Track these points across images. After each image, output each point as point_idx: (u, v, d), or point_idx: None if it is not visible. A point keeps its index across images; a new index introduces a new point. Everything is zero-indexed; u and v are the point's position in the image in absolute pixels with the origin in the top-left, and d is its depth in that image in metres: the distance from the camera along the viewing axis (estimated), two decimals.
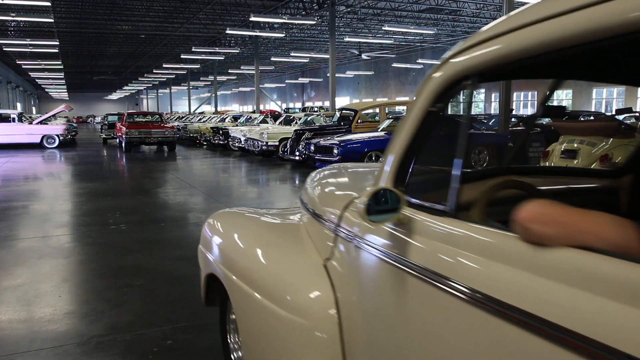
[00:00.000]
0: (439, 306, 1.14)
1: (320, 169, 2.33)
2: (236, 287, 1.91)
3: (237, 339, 2.19)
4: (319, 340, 1.54)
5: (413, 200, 1.35)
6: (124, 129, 17.98)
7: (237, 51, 32.63)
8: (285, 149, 13.32)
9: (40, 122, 20.41)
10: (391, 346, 1.34)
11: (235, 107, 70.07)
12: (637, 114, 14.95)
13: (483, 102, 33.22)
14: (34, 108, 70.72)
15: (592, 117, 15.50)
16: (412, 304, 1.26)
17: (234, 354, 2.25)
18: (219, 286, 2.17)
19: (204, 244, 2.33)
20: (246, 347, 1.90)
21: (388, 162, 1.45)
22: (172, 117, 33.29)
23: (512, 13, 1.09)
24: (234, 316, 2.04)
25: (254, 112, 27.75)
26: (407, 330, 1.28)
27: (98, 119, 61.40)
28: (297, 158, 12.10)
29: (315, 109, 34.26)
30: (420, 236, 1.27)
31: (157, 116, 20.86)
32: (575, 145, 8.75)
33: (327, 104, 43.45)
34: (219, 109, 42.20)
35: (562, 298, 0.86)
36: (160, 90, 65.13)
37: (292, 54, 32.19)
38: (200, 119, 26.34)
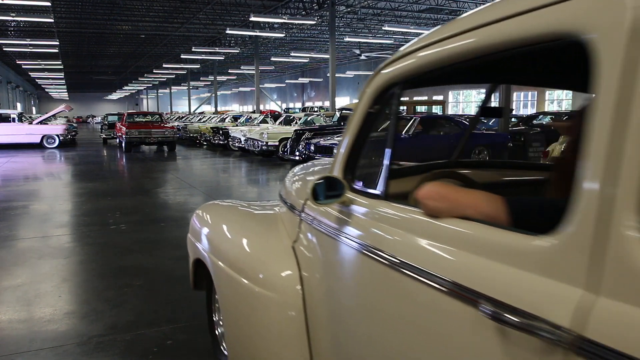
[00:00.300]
0: (375, 274, 1.39)
1: (297, 166, 2.58)
2: (218, 269, 2.18)
3: (220, 317, 2.48)
4: (286, 312, 1.80)
5: (356, 186, 1.62)
6: (124, 129, 17.98)
7: (237, 51, 32.64)
8: (285, 149, 13.32)
9: (40, 122, 20.41)
10: (343, 311, 1.58)
11: (235, 107, 70.07)
12: None
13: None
14: (34, 108, 70.71)
15: None
16: (355, 274, 1.54)
17: (218, 329, 2.60)
18: (206, 272, 2.44)
19: (192, 233, 2.59)
20: (226, 321, 2.16)
21: (338, 155, 1.72)
22: (172, 117, 33.30)
23: (423, 35, 1.39)
24: (217, 296, 2.27)
25: (254, 112, 27.75)
26: (352, 297, 1.54)
27: (98, 119, 61.40)
28: (297, 158, 12.10)
29: (315, 109, 34.26)
30: (359, 216, 1.53)
31: (157, 116, 20.86)
32: None
33: (327, 104, 43.43)
34: (219, 109, 42.21)
35: (451, 257, 1.11)
36: (160, 90, 65.14)
37: (292, 54, 32.19)
38: (200, 119, 26.34)
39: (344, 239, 1.56)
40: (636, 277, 0.73)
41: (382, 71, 1.53)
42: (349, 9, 24.72)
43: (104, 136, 23.43)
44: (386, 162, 1.47)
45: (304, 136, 12.42)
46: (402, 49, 1.47)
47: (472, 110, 33.55)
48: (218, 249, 2.25)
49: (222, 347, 2.51)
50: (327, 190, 1.60)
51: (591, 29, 0.83)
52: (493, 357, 0.96)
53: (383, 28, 23.52)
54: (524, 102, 30.65)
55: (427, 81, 1.71)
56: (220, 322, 2.46)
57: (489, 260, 1.01)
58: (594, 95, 0.82)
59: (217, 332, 2.61)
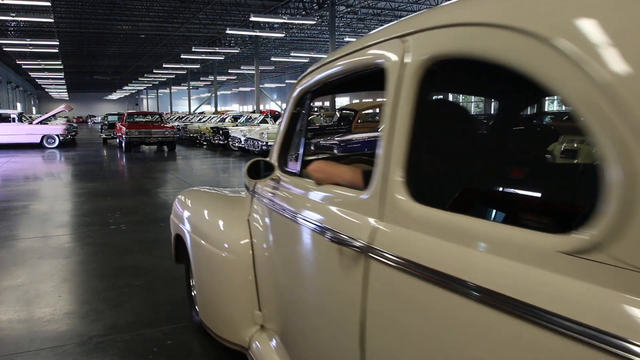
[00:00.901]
0: (294, 233, 1.89)
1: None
2: (194, 241, 2.75)
3: (194, 282, 2.94)
4: (242, 269, 2.43)
5: (285, 167, 2.19)
6: (124, 129, 17.98)
7: (237, 51, 32.64)
8: None
9: (40, 122, 20.42)
10: (276, 262, 2.12)
11: (235, 107, 70.06)
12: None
13: (483, 102, 33.24)
14: (34, 108, 70.72)
15: None
16: (283, 235, 2.06)
17: (193, 291, 3.10)
18: (184, 247, 2.95)
19: (174, 214, 3.16)
20: (198, 282, 2.77)
21: (274, 145, 2.33)
22: (172, 117, 33.31)
23: (321, 59, 1.98)
24: (192, 264, 2.83)
25: (254, 112, 27.74)
26: (280, 250, 2.09)
27: (98, 119, 61.39)
28: None
29: (315, 109, 34.25)
30: (283, 189, 2.08)
31: (157, 116, 20.86)
32: (575, 145, 8.76)
33: (327, 104, 43.41)
34: (219, 109, 42.20)
35: (330, 212, 1.62)
36: (160, 90, 65.15)
37: (292, 54, 32.18)
38: (200, 119, 26.34)
39: (275, 207, 2.09)
40: (400, 209, 1.28)
41: (300, 83, 2.13)
42: (349, 9, 24.73)
43: (104, 136, 23.43)
44: (301, 149, 2.09)
45: None
46: (309, 68, 2.07)
47: (473, 109, 33.57)
48: (194, 225, 2.81)
49: (195, 308, 3.03)
50: (265, 171, 2.22)
51: (385, 62, 1.43)
52: (343, 273, 1.48)
53: None
54: None
55: (325, 91, 2.24)
56: (194, 285, 2.97)
57: (345, 209, 1.56)
58: (386, 96, 1.40)
59: (192, 294, 3.13)
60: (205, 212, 2.81)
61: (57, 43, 27.09)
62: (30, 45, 27.19)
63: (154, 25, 29.49)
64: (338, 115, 14.41)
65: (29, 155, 16.85)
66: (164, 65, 41.48)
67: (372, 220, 1.38)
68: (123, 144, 18.26)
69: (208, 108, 52.10)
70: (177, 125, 23.39)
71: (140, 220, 6.50)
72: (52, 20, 21.78)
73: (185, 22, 28.36)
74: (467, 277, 1.01)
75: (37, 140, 19.66)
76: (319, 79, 1.95)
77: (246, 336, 2.45)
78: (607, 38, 0.85)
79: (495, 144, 1.99)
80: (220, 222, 2.62)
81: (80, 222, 6.47)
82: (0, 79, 41.71)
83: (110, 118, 25.34)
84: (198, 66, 41.62)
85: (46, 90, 68.72)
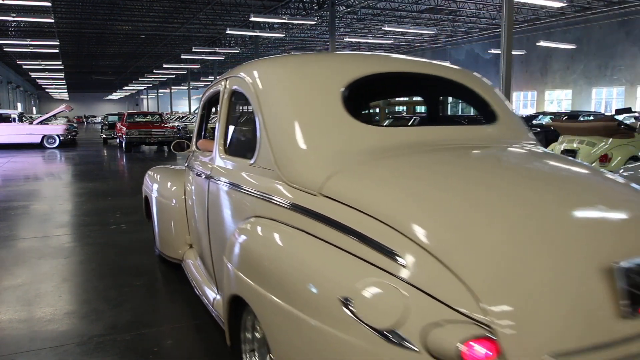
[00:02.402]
0: (196, 180, 3.27)
1: None
2: (156, 199, 4.18)
3: (153, 225, 4.37)
4: (179, 210, 3.86)
5: (199, 146, 3.44)
6: (124, 129, 17.98)
7: (237, 51, 32.63)
8: None
9: (41, 122, 20.42)
10: (193, 205, 3.47)
11: None
12: (637, 114, 14.94)
13: None
14: (34, 108, 70.71)
15: (591, 117, 15.49)
16: (194, 184, 3.37)
17: (155, 238, 4.39)
18: (149, 207, 4.49)
19: (145, 183, 4.70)
20: (156, 224, 4.23)
21: (194, 132, 3.73)
22: (172, 117, 33.29)
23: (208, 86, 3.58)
24: (152, 212, 4.29)
25: None
26: (195, 196, 3.37)
27: (98, 119, 61.36)
28: None
29: (360, 107, 34.13)
30: (194, 157, 3.53)
31: (157, 116, 20.86)
32: (575, 145, 8.76)
33: None
34: None
35: (202, 163, 3.19)
36: (160, 91, 65.11)
37: (292, 54, 32.17)
38: None
39: (192, 169, 3.48)
40: (220, 158, 2.83)
41: (203, 96, 3.58)
42: (349, 9, 24.72)
43: (104, 136, 23.42)
44: (202, 134, 3.66)
45: None
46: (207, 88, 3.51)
47: (472, 110, 33.55)
48: (156, 189, 4.22)
49: (156, 245, 4.37)
50: (186, 148, 4.06)
51: (219, 89, 3.00)
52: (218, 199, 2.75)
53: (383, 28, 23.51)
54: (523, 102, 30.65)
55: (212, 103, 3.46)
56: (156, 224, 4.26)
57: (205, 161, 3.10)
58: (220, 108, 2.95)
59: (155, 239, 4.41)
60: (163, 180, 4.19)
61: (58, 43, 27.08)
62: (31, 45, 27.19)
63: (154, 25, 29.49)
64: (384, 114, 14.39)
65: (30, 155, 16.86)
66: (164, 66, 41.47)
67: (211, 164, 2.95)
68: (123, 144, 18.26)
69: None
70: (177, 125, 23.37)
71: (140, 220, 6.50)
72: (52, 21, 21.77)
73: (186, 22, 28.36)
74: (237, 181, 2.47)
75: (38, 140, 19.66)
76: (208, 95, 3.39)
77: (181, 253, 3.94)
78: (270, 84, 2.39)
79: (250, 127, 2.81)
80: (170, 186, 4.01)
81: (81, 222, 6.47)
82: (0, 79, 41.70)
83: (110, 118, 25.34)
84: (198, 66, 41.61)
85: (46, 90, 68.72)
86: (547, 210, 1.60)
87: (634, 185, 1.93)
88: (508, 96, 12.67)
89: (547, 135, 11.91)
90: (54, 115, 23.26)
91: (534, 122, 15.80)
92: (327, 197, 1.82)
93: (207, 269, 3.14)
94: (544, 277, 1.41)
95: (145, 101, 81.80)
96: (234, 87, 2.75)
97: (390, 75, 2.51)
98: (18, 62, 36.76)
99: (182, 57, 33.73)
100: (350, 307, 1.39)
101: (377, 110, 14.33)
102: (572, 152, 8.74)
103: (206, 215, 2.95)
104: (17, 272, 4.37)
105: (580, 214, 1.65)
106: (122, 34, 32.62)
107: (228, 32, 23.23)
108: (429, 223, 1.53)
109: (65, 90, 68.38)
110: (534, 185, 1.76)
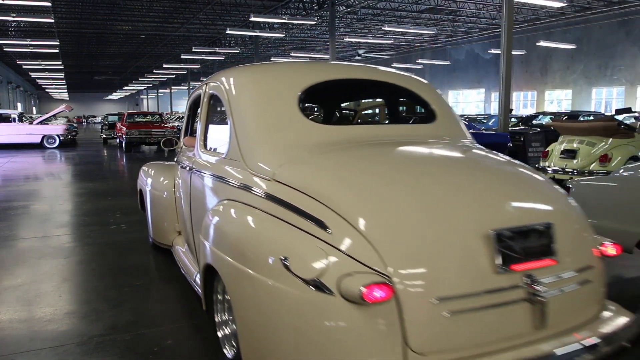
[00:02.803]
0: (183, 172, 3.80)
1: None
2: (149, 191, 4.60)
3: (146, 212, 4.82)
4: (170, 201, 4.29)
5: (185, 143, 3.99)
6: (124, 129, 17.97)
7: (237, 51, 32.63)
8: None
9: (41, 122, 20.41)
10: (181, 194, 3.95)
11: None
12: (637, 114, 14.93)
13: (483, 103, 33.21)
14: (34, 108, 70.68)
15: (591, 117, 15.48)
16: (182, 176, 3.84)
17: (149, 226, 4.85)
18: (143, 200, 4.94)
19: (140, 177, 5.10)
20: (149, 213, 4.67)
21: (182, 131, 4.30)
22: (172, 117, 33.28)
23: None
24: (146, 203, 4.75)
25: None
26: (182, 187, 3.85)
27: (98, 119, 61.33)
28: None
29: (315, 109, 34.19)
30: (182, 153, 4.05)
31: (157, 116, 20.85)
32: (575, 145, 8.75)
33: None
34: None
35: (187, 157, 3.76)
36: (160, 91, 65.09)
37: (292, 54, 32.18)
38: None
39: (180, 164, 3.97)
40: (200, 152, 3.39)
41: (189, 99, 4.00)
42: (349, 9, 24.71)
43: (104, 136, 23.42)
44: (188, 133, 4.16)
45: None
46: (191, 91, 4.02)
47: (472, 110, 33.56)
48: (149, 183, 4.62)
49: (150, 233, 4.86)
50: (175, 144, 4.56)
51: (200, 93, 3.58)
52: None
53: (383, 28, 23.50)
54: (523, 103, 30.64)
55: (195, 106, 3.86)
56: (149, 215, 4.71)
57: (189, 155, 3.68)
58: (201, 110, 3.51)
59: (148, 223, 4.89)
60: (156, 175, 4.58)
61: (57, 43, 27.06)
62: (31, 45, 27.17)
63: (154, 25, 29.48)
64: (338, 115, 14.39)
65: (30, 155, 16.86)
66: (164, 66, 41.46)
67: (193, 158, 3.47)
68: (123, 144, 18.26)
69: None
70: (178, 125, 23.35)
71: (140, 220, 6.50)
72: (52, 21, 21.76)
73: (186, 22, 28.36)
74: (212, 171, 3.03)
75: (38, 140, 19.66)
76: (193, 97, 3.86)
77: (171, 239, 4.36)
78: (239, 91, 2.91)
79: (224, 126, 3.09)
80: (162, 180, 4.42)
81: (81, 222, 6.47)
82: (0, 79, 41.69)
83: (110, 118, 25.33)
84: (198, 66, 41.61)
85: (46, 90, 68.69)
86: (447, 190, 2.07)
87: (534, 174, 2.37)
88: (508, 96, 12.64)
89: (547, 135, 11.89)
90: (54, 115, 23.25)
91: (534, 122, 15.73)
92: (278, 181, 2.30)
93: (191, 251, 3.62)
94: (436, 241, 1.87)
95: (145, 101, 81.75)
96: (212, 91, 3.25)
97: (340, 81, 3.06)
98: (18, 62, 36.73)
99: (182, 57, 33.72)
100: (286, 264, 1.86)
101: (352, 111, 14.33)
102: (572, 152, 8.74)
103: (189, 202, 3.53)
104: (17, 272, 4.37)
105: (472, 192, 2.09)
106: (122, 34, 32.61)
107: (228, 32, 23.23)
108: (351, 201, 2.00)
109: (65, 90, 68.34)
110: (442, 171, 2.25)
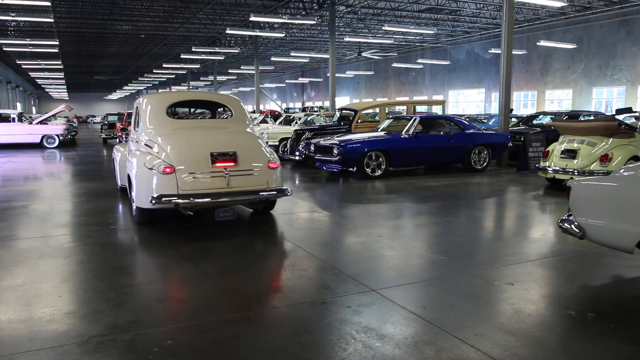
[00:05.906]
0: (129, 145, 7.53)
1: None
2: (116, 159, 8.25)
3: (125, 174, 7.13)
4: (124, 161, 7.44)
5: (129, 129, 8.58)
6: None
7: (237, 51, 32.62)
8: (285, 149, 13.32)
9: (40, 122, 20.41)
10: (127, 155, 7.37)
11: None
12: (637, 114, 14.92)
13: (483, 102, 33.21)
14: (34, 108, 70.68)
15: (592, 117, 15.47)
16: (128, 147, 7.74)
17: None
18: (113, 164, 8.81)
19: (113, 152, 8.71)
20: (117, 171, 8.23)
21: (132, 123, 7.88)
22: None
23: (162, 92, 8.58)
24: (116, 165, 8.27)
25: (253, 112, 27.72)
26: (127, 150, 7.58)
27: (98, 119, 61.30)
28: (297, 158, 12.10)
29: (315, 109, 34.22)
30: (129, 135, 8.19)
31: None
32: (575, 145, 8.75)
33: (327, 103, 43.35)
34: None
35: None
36: (160, 90, 65.05)
37: (292, 54, 32.17)
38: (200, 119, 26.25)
39: (129, 139, 7.72)
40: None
41: (133, 103, 7.84)
42: (349, 9, 24.71)
43: (104, 136, 23.40)
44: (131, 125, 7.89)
45: (304, 136, 12.42)
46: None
47: (473, 109, 33.56)
48: (116, 154, 8.21)
49: (117, 182, 8.49)
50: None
51: (137, 104, 7.20)
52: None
53: (383, 28, 23.49)
54: (524, 102, 30.65)
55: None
56: (117, 173, 8.16)
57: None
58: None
59: (116, 176, 8.41)
60: (118, 149, 8.02)
61: (57, 43, 27.06)
62: (30, 45, 27.17)
63: (154, 25, 29.47)
64: (338, 115, 14.39)
65: (29, 155, 16.85)
66: (164, 65, 41.46)
67: (130, 135, 7.69)
68: None
69: None
70: None
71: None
72: (52, 20, 21.75)
73: (185, 22, 28.35)
74: (132, 137, 7.47)
75: (37, 140, 19.65)
76: (134, 105, 7.42)
77: (126, 181, 7.02)
78: (143, 105, 6.88)
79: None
80: (123, 151, 7.66)
81: (81, 222, 6.47)
82: (0, 78, 41.69)
83: (110, 118, 25.32)
84: (198, 66, 41.60)
85: (46, 90, 68.67)
86: (202, 138, 6.13)
87: (244, 136, 6.41)
88: (508, 96, 12.63)
89: (547, 135, 11.89)
90: (54, 115, 23.24)
91: (534, 122, 15.69)
92: (149, 139, 6.29)
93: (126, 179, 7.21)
94: (191, 154, 5.76)
95: None
96: (136, 104, 7.10)
97: (189, 100, 7.80)
98: (18, 62, 36.72)
99: (182, 57, 33.70)
100: (146, 165, 5.76)
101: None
102: (572, 152, 8.73)
103: (127, 157, 6.83)
104: (17, 272, 4.36)
105: (211, 138, 6.10)
106: (122, 34, 32.60)
107: (228, 32, 23.20)
108: (167, 143, 5.92)
109: (65, 90, 68.34)
110: (207, 133, 6.38)
